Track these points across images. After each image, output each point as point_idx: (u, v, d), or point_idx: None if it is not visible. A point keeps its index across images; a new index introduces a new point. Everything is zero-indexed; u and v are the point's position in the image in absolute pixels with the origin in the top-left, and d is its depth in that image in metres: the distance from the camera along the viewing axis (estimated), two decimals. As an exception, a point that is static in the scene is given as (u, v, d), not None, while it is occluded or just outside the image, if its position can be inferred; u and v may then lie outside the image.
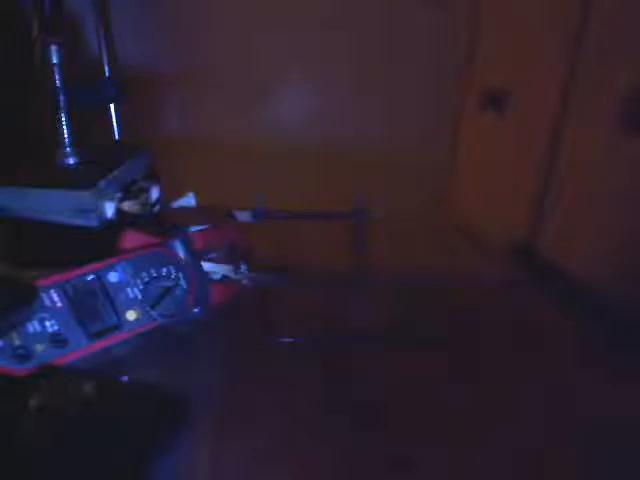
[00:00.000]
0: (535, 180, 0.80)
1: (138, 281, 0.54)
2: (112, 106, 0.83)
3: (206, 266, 0.62)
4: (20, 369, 0.48)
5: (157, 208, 0.74)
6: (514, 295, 0.71)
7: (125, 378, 0.52)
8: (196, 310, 0.59)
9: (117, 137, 0.86)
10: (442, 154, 0.98)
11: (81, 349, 0.50)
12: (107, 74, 0.83)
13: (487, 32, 0.91)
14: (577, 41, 0.71)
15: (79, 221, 0.64)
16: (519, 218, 0.85)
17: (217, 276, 0.64)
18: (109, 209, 0.67)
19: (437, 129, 0.97)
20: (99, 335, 0.52)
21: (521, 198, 0.83)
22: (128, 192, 0.70)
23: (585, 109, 0.71)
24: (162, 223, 0.74)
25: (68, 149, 0.74)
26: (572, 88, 0.73)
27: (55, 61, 0.70)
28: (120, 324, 0.53)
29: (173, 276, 0.56)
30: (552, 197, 0.77)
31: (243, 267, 0.64)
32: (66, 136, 0.73)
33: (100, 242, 0.64)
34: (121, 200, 0.68)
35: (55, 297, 0.49)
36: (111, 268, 0.53)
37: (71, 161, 0.74)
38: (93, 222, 0.64)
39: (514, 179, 0.86)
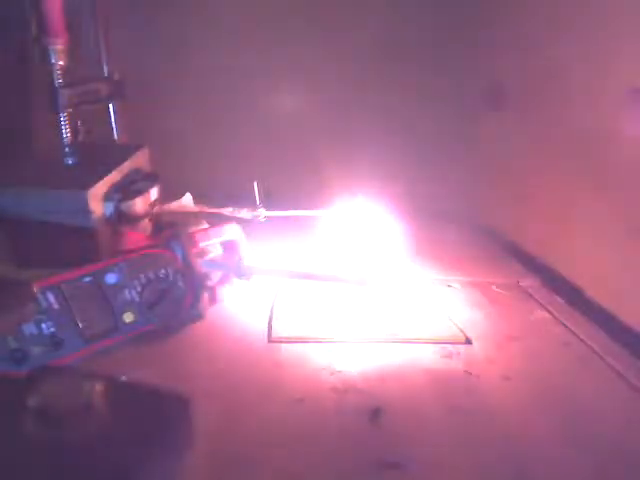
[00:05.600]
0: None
1: (136, 282, 0.54)
2: (111, 106, 0.83)
3: (204, 266, 0.62)
4: (17, 371, 0.48)
5: (156, 209, 0.74)
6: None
7: (124, 378, 0.51)
8: (194, 311, 0.59)
9: (116, 137, 0.86)
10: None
11: (78, 351, 0.50)
12: (106, 74, 0.83)
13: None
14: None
15: (77, 221, 0.64)
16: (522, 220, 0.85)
17: (216, 277, 0.64)
18: (107, 209, 0.67)
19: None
20: (96, 337, 0.51)
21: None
22: (127, 192, 0.69)
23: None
24: (160, 224, 0.74)
25: (68, 149, 0.74)
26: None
27: (54, 61, 0.70)
28: (117, 326, 0.53)
29: (171, 277, 0.56)
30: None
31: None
32: (66, 136, 0.73)
33: (98, 243, 0.64)
34: (120, 200, 0.68)
35: (51, 299, 0.49)
36: (109, 269, 0.53)
37: (70, 161, 0.74)
38: (91, 222, 0.64)
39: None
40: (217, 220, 0.73)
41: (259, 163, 0.91)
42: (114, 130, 0.85)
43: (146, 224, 0.72)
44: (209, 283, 0.62)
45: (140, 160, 0.78)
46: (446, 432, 0.47)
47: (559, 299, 0.70)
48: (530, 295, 0.72)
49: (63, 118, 0.72)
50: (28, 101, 0.86)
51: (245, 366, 0.55)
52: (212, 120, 0.94)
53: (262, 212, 0.81)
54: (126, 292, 0.53)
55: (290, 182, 0.90)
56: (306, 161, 0.93)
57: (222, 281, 0.65)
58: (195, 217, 0.76)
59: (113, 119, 0.84)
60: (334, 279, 0.69)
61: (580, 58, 0.70)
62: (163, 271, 0.56)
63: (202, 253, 0.62)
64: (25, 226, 0.64)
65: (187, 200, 0.82)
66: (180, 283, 0.56)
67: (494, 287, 0.73)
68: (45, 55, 0.70)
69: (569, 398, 0.52)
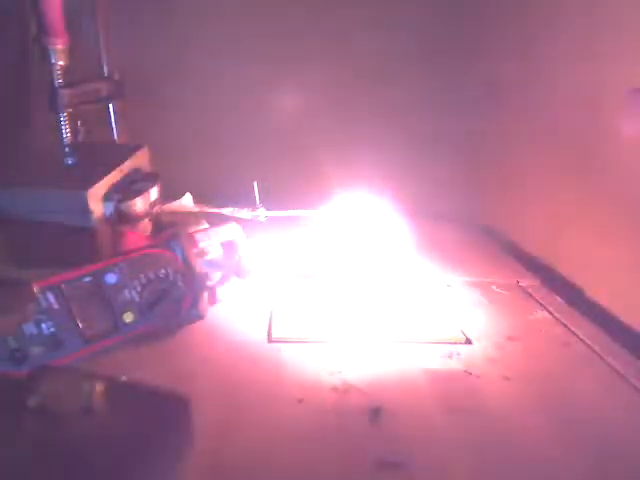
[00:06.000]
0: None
1: (136, 282, 0.54)
2: (111, 106, 0.83)
3: (205, 266, 0.62)
4: (17, 371, 0.48)
5: (156, 209, 0.74)
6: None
7: (124, 378, 0.51)
8: (194, 311, 0.59)
9: (116, 137, 0.86)
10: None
11: (78, 351, 0.50)
12: (106, 74, 0.83)
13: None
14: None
15: (77, 221, 0.64)
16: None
17: (216, 277, 0.64)
18: (107, 209, 0.67)
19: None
20: (96, 337, 0.51)
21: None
22: (127, 192, 0.69)
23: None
24: (160, 224, 0.74)
25: (68, 149, 0.74)
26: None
27: (54, 61, 0.70)
28: (117, 326, 0.53)
29: (171, 277, 0.56)
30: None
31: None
32: (66, 136, 0.73)
33: (98, 243, 0.64)
34: (120, 200, 0.68)
35: (51, 299, 0.49)
36: (109, 269, 0.53)
37: (70, 161, 0.74)
38: (91, 222, 0.64)
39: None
40: (217, 220, 0.73)
41: (259, 163, 0.91)
42: (114, 130, 0.85)
43: (146, 224, 0.72)
44: (209, 283, 0.62)
45: (140, 160, 0.78)
46: (446, 432, 0.47)
47: (559, 299, 0.70)
48: (530, 295, 0.72)
49: (63, 118, 0.72)
50: (28, 101, 0.86)
51: (245, 366, 0.54)
52: (212, 120, 0.94)
53: (262, 212, 0.81)
54: (126, 292, 0.53)
55: (290, 182, 0.90)
56: (306, 161, 0.93)
57: (222, 281, 0.65)
58: (195, 217, 0.76)
59: (113, 119, 0.85)
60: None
61: (580, 58, 0.70)
62: (163, 271, 0.56)
63: (202, 253, 0.61)
64: (25, 226, 0.64)
65: (187, 200, 0.82)
66: (180, 283, 0.56)
67: (494, 287, 0.73)
68: (45, 55, 0.70)
69: (569, 398, 0.52)
